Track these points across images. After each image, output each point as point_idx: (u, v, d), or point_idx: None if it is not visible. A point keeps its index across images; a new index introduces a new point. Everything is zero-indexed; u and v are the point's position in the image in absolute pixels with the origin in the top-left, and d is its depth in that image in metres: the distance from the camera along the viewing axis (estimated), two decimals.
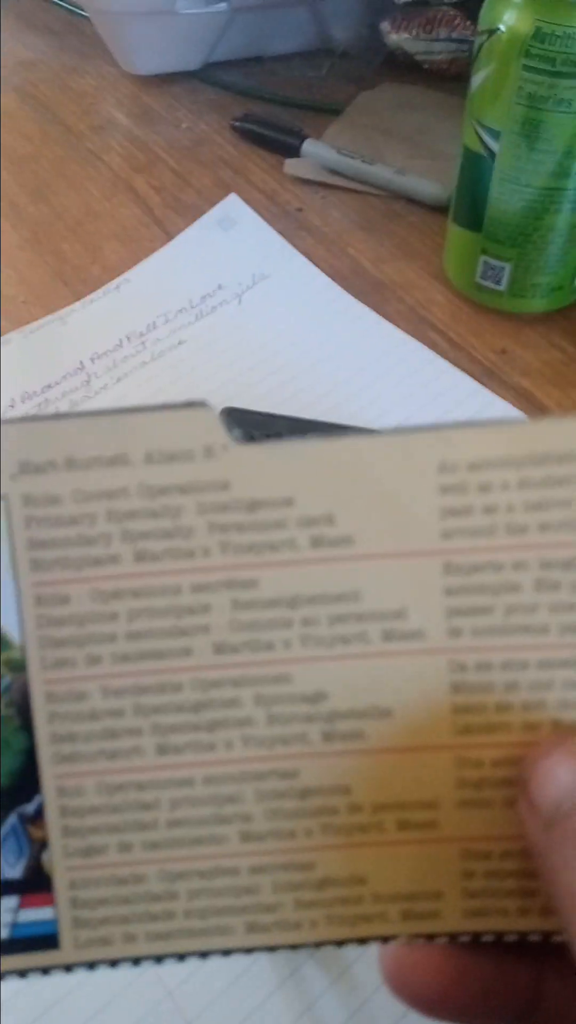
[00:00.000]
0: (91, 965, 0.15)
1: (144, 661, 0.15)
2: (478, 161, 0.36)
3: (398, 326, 0.39)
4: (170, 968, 0.22)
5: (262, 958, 0.23)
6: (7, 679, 0.15)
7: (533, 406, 0.36)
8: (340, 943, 0.16)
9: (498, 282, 0.38)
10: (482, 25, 0.34)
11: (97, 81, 0.55)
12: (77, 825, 0.15)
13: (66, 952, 0.15)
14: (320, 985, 0.22)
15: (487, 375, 0.37)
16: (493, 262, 0.38)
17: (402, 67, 0.52)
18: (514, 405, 0.36)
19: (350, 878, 0.15)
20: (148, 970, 0.23)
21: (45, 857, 0.15)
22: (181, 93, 0.53)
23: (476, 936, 0.15)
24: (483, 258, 0.38)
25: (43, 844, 0.15)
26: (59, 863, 0.15)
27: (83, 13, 0.56)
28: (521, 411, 0.36)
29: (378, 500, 0.15)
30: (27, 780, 0.15)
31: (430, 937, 0.15)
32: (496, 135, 0.35)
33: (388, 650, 0.15)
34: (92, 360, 0.36)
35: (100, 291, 0.40)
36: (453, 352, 0.38)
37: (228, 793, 0.15)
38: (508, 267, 0.38)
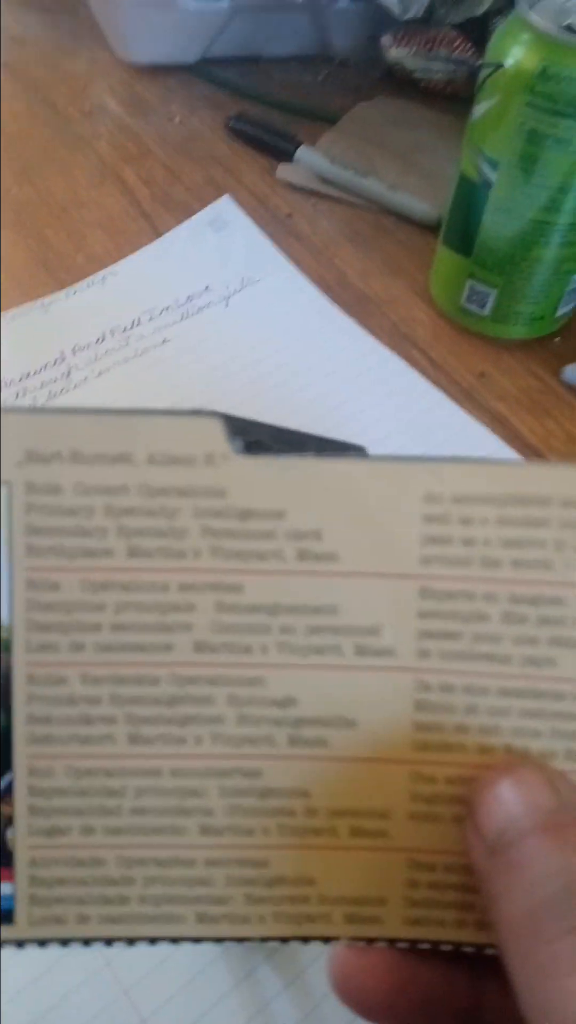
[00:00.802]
0: (42, 942, 0.16)
1: (125, 653, 0.15)
2: (474, 188, 0.36)
3: (381, 341, 0.39)
4: (126, 966, 0.23)
5: (219, 960, 0.23)
6: None
7: (508, 431, 0.37)
8: (285, 939, 0.16)
9: (482, 307, 0.39)
10: (489, 57, 0.34)
11: (89, 65, 0.54)
12: (44, 805, 0.16)
13: (20, 927, 0.16)
14: (274, 988, 0.23)
15: (465, 397, 0.38)
16: (479, 287, 0.38)
17: (399, 82, 0.52)
18: (489, 428, 0.37)
19: (300, 878, 0.16)
20: (103, 968, 0.23)
21: (9, 834, 0.16)
22: (175, 86, 0.53)
23: (414, 943, 0.16)
24: (470, 282, 0.38)
25: (9, 821, 0.16)
26: (22, 841, 0.16)
27: None
28: (496, 435, 0.36)
29: (365, 522, 0.15)
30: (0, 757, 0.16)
31: (370, 941, 0.16)
32: (494, 165, 0.35)
33: (359, 664, 0.16)
34: (74, 352, 0.36)
35: (84, 282, 0.39)
36: (433, 371, 0.39)
37: (192, 787, 0.16)
38: (494, 293, 0.38)
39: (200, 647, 0.15)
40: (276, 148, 0.48)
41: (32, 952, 0.22)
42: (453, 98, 0.51)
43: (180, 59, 0.53)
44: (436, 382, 0.38)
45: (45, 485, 0.15)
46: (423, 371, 0.38)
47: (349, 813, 0.16)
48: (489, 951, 0.16)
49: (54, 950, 0.23)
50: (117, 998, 0.22)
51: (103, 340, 0.36)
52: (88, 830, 0.16)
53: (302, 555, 0.15)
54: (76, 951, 0.23)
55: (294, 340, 0.38)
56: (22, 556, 0.15)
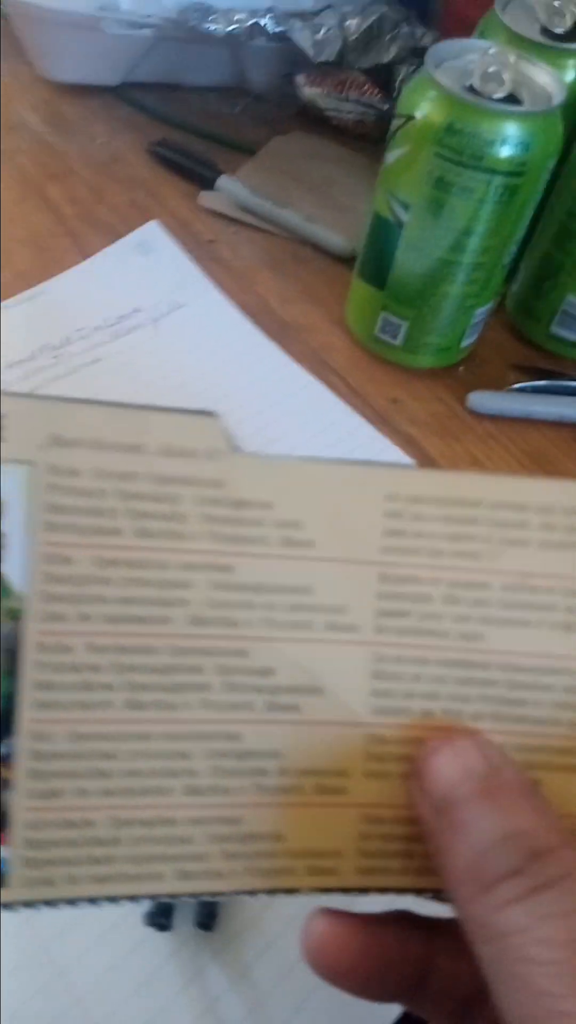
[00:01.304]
0: (31, 904, 0.17)
1: (128, 624, 0.17)
2: (387, 227, 0.39)
3: (301, 366, 0.41)
4: (78, 974, 0.24)
5: (169, 961, 0.24)
6: (4, 626, 0.16)
7: (419, 453, 0.40)
8: (253, 893, 0.18)
9: (395, 337, 0.42)
10: (400, 109, 0.37)
11: (9, 78, 0.54)
12: (43, 768, 0.16)
13: (13, 890, 0.17)
14: (221, 985, 0.24)
15: (380, 421, 0.41)
16: (392, 319, 0.41)
17: (312, 119, 0.55)
18: (403, 451, 0.40)
19: (270, 834, 0.18)
20: (56, 978, 0.23)
21: (5, 797, 0.16)
22: (97, 107, 0.54)
23: (365, 891, 0.18)
24: (383, 314, 0.41)
25: (6, 785, 0.16)
26: (20, 803, 0.16)
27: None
28: (410, 457, 0.39)
29: (338, 515, 0.17)
30: (3, 723, 0.16)
31: (327, 891, 0.18)
32: (406, 207, 0.38)
33: (328, 638, 0.18)
34: (6, 368, 0.36)
35: (13, 299, 0.40)
36: (350, 396, 0.41)
37: (180, 749, 0.17)
38: (405, 325, 0.41)
39: (195, 621, 0.17)
40: (198, 175, 0.49)
41: None
42: (363, 138, 0.55)
43: (102, 81, 0.54)
44: (353, 406, 0.41)
45: (65, 468, 0.16)
46: (340, 396, 0.41)
47: (314, 772, 0.18)
48: (426, 896, 0.18)
49: (4, 963, 0.23)
50: (70, 1007, 0.23)
51: (34, 358, 0.37)
52: (82, 792, 0.17)
53: (285, 542, 0.17)
54: (26, 967, 0.23)
55: (220, 364, 0.39)
56: (40, 531, 0.16)
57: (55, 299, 0.40)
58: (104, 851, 0.17)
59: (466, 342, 0.43)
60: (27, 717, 0.16)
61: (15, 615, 0.16)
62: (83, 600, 0.16)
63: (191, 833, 0.17)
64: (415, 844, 0.18)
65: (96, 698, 0.17)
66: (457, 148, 0.36)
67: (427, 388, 0.43)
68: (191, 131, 0.54)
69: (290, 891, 0.18)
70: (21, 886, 0.17)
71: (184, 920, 0.25)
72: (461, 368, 0.44)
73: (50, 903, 0.17)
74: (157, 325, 0.40)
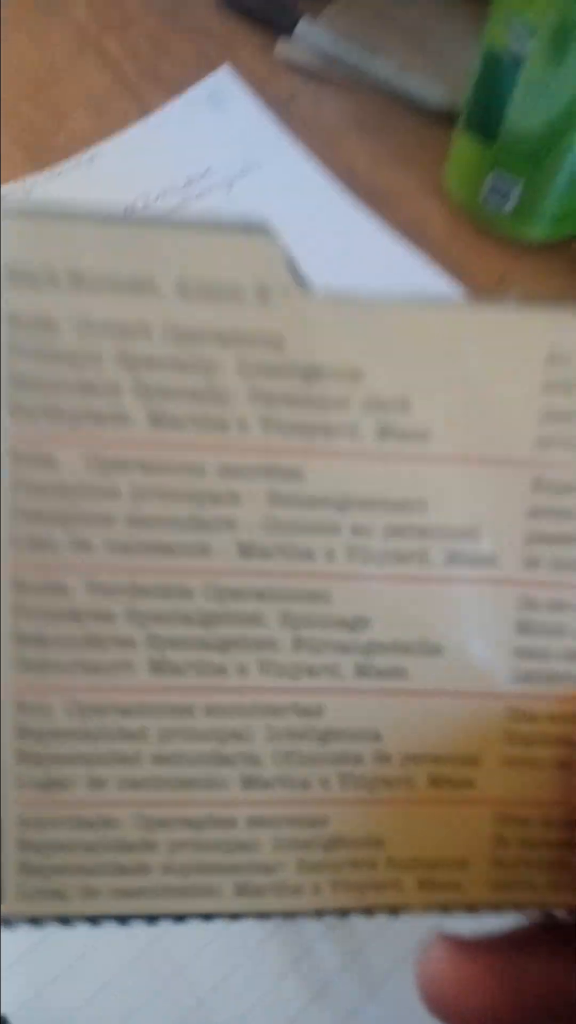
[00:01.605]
0: (36, 920, 0.13)
1: (147, 555, 0.12)
2: (503, 64, 0.33)
3: (394, 238, 0.36)
4: (181, 943, 0.21)
5: (276, 935, 0.21)
6: None
7: None
8: (343, 912, 0.14)
9: (504, 202, 0.36)
10: None
11: None
12: (38, 751, 0.13)
13: (7, 903, 0.13)
14: (331, 966, 0.21)
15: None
16: (503, 179, 0.35)
17: None
18: None
19: (365, 839, 0.13)
20: (157, 944, 0.21)
21: None
22: None
23: (496, 909, 0.14)
24: (493, 174, 0.35)
25: None
26: (9, 795, 0.13)
27: None
28: None
29: (468, 390, 0.12)
30: None
31: (446, 909, 0.14)
32: (529, 34, 0.32)
33: (451, 575, 0.12)
34: None
35: (69, 163, 0.35)
36: (449, 273, 0.36)
37: (234, 728, 0.13)
38: (518, 186, 0.35)
39: (247, 551, 0.12)
40: (275, 21, 0.43)
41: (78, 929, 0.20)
42: None
43: None
44: (454, 285, 0.35)
45: (36, 319, 0.11)
46: (439, 273, 0.36)
47: (429, 759, 0.13)
48: None
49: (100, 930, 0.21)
50: (172, 976, 0.21)
51: None
52: (98, 783, 0.13)
53: (383, 432, 0.12)
54: (122, 934, 0.20)
55: (302, 234, 0.34)
56: (5, 418, 0.11)
57: (116, 162, 0.35)
58: (134, 858, 0.13)
59: None
60: (9, 682, 0.12)
61: None
62: (78, 520, 0.12)
63: (254, 837, 0.13)
64: (568, 851, 0.14)
65: (108, 658, 0.12)
66: None
67: (540, 265, 0.37)
68: None
69: (395, 909, 0.14)
70: (18, 898, 0.13)
71: None
72: None
73: (63, 920, 0.13)
74: (231, 188, 0.35)
